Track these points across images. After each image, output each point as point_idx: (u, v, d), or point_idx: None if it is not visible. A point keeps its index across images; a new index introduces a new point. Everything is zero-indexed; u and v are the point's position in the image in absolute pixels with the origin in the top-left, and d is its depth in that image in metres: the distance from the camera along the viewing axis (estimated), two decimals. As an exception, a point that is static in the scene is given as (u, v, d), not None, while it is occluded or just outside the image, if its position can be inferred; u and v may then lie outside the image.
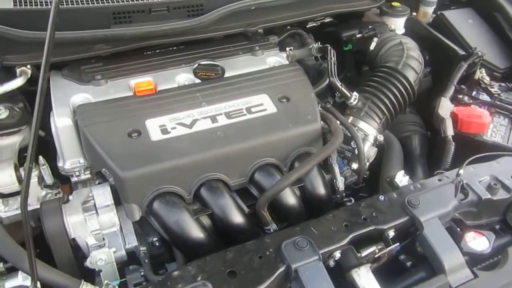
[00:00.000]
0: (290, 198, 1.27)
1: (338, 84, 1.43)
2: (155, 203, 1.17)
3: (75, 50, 1.40)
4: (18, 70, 1.42)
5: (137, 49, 1.49)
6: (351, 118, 1.44)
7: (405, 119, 1.70)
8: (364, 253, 1.10)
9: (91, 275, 1.18)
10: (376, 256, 1.11)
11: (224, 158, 1.22)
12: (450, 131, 1.46)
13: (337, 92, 1.46)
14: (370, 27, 1.71)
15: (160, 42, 1.45)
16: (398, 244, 1.12)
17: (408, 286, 1.10)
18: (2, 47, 1.34)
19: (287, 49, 1.58)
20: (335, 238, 1.11)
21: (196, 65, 1.45)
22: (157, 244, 1.27)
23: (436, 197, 1.22)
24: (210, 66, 1.44)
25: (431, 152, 1.65)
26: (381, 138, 1.42)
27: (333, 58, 1.46)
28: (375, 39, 1.63)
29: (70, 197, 1.25)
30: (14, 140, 1.39)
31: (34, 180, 1.32)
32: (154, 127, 1.25)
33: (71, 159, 1.31)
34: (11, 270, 1.16)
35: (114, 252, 1.19)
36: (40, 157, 1.30)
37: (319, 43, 1.61)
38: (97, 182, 1.34)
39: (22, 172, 1.32)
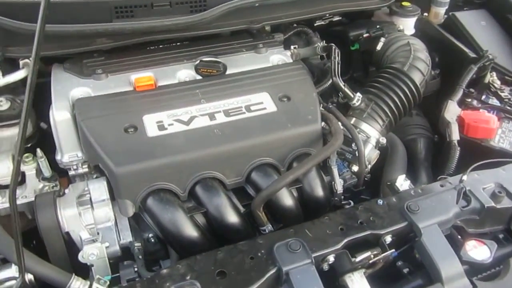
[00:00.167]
0: (286, 199, 1.24)
1: (341, 84, 1.40)
2: (148, 200, 1.16)
3: (77, 44, 1.39)
4: (21, 62, 1.43)
5: (141, 44, 1.48)
6: (353, 119, 1.41)
7: (411, 121, 1.67)
8: (359, 258, 1.07)
9: (85, 269, 1.18)
10: (371, 261, 1.08)
11: (220, 156, 1.21)
12: (455, 136, 1.42)
13: (340, 93, 1.43)
14: (378, 26, 1.67)
15: (162, 37, 1.44)
16: (393, 250, 1.09)
17: (403, 294, 1.07)
18: (4, 39, 1.34)
19: (292, 47, 1.56)
20: (330, 241, 1.09)
21: (198, 61, 1.44)
22: (153, 240, 1.27)
23: (436, 203, 1.18)
24: (212, 62, 1.43)
25: (437, 157, 1.60)
26: (383, 140, 1.39)
27: (337, 58, 1.43)
28: (382, 39, 1.60)
29: (66, 191, 1.25)
30: (14, 132, 1.39)
31: (32, 172, 1.33)
32: (151, 123, 1.24)
33: (69, 153, 1.31)
34: (6, 261, 1.17)
35: (107, 247, 1.19)
36: (38, 150, 1.30)
37: (324, 42, 1.59)
38: (94, 176, 1.34)
39: (21, 164, 1.32)
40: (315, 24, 1.82)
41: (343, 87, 1.39)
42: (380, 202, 1.19)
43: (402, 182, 1.29)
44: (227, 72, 1.44)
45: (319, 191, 1.28)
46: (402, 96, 1.41)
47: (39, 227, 1.13)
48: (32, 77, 0.83)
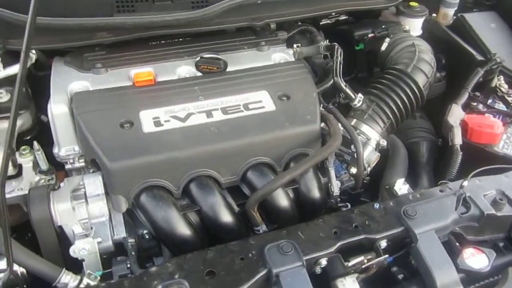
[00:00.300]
0: (282, 199, 1.23)
1: (342, 84, 1.37)
2: (142, 196, 1.15)
3: (78, 37, 1.39)
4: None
5: (142, 39, 1.48)
6: (354, 120, 1.38)
7: (415, 124, 1.63)
8: (352, 262, 1.05)
9: (78, 264, 1.18)
10: (364, 266, 1.06)
11: (215, 154, 1.19)
12: (458, 140, 1.39)
13: (342, 93, 1.40)
14: (383, 27, 1.64)
15: (163, 33, 1.43)
16: (387, 256, 1.06)
17: (396, 300, 1.05)
18: (5, 31, 1.35)
19: (295, 45, 1.54)
20: (322, 244, 1.07)
21: (199, 58, 1.42)
22: (147, 237, 1.26)
23: (435, 209, 1.16)
24: (212, 59, 1.41)
25: (440, 161, 1.57)
26: (384, 143, 1.36)
27: (339, 57, 1.40)
28: (387, 40, 1.57)
29: (61, 184, 1.25)
30: (13, 124, 1.39)
31: (29, 165, 1.33)
32: (147, 118, 1.23)
33: (66, 146, 1.31)
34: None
35: (100, 242, 1.19)
36: (35, 143, 1.31)
37: (328, 41, 1.56)
38: (91, 171, 1.34)
39: (18, 156, 1.33)
40: (321, 23, 1.79)
41: (344, 87, 1.37)
42: (376, 205, 1.17)
43: (401, 186, 1.26)
44: (228, 69, 1.42)
45: (316, 193, 1.26)
46: (404, 98, 1.38)
47: (31, 220, 1.13)
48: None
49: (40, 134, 1.45)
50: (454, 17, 1.83)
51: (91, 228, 1.22)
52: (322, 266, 1.05)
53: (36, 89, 1.47)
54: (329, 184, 1.28)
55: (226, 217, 1.19)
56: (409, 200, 1.19)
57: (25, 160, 1.32)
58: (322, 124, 1.30)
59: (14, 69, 1.40)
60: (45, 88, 1.34)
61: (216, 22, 1.45)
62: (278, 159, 1.25)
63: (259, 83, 1.36)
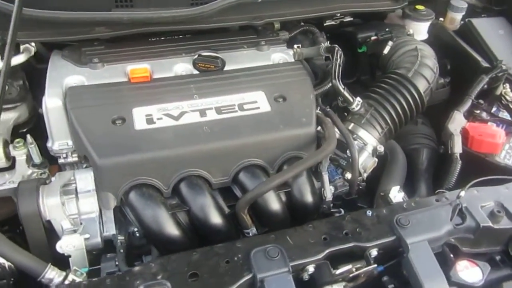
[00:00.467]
0: (273, 202, 1.21)
1: (341, 87, 1.34)
2: (130, 194, 1.14)
3: (76, 31, 1.38)
4: (21, 47, 1.43)
5: (143, 35, 1.47)
6: (351, 124, 1.36)
7: (416, 130, 1.60)
8: (340, 270, 1.03)
9: (66, 259, 1.17)
10: (352, 275, 1.03)
11: (207, 154, 1.18)
12: (457, 149, 1.35)
13: (340, 96, 1.38)
14: (387, 29, 1.61)
15: (161, 29, 1.41)
16: (376, 265, 1.03)
17: (383, 311, 1.03)
18: (3, 23, 1.34)
19: (295, 46, 1.51)
20: (310, 250, 1.04)
21: (196, 55, 1.41)
22: (138, 234, 1.25)
23: (429, 219, 1.12)
24: (210, 58, 1.40)
25: (440, 169, 1.53)
26: (381, 148, 1.33)
27: (338, 60, 1.37)
28: (390, 43, 1.54)
29: (52, 179, 1.24)
30: (9, 117, 1.40)
31: (22, 158, 1.33)
32: (140, 115, 1.21)
33: (59, 141, 1.30)
34: None
35: (88, 238, 1.17)
36: (28, 136, 1.30)
37: (329, 42, 1.54)
38: (84, 166, 1.33)
39: (11, 149, 1.32)
40: (325, 24, 1.77)
41: (342, 90, 1.34)
42: (369, 213, 1.14)
43: (396, 194, 1.23)
44: (226, 68, 1.40)
45: (308, 197, 1.24)
46: (404, 103, 1.35)
47: (19, 213, 1.12)
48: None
49: (37, 127, 1.45)
50: (462, 22, 1.79)
51: (81, 224, 1.22)
52: (309, 273, 1.03)
53: (35, 81, 1.47)
54: (322, 189, 1.25)
55: (216, 218, 1.17)
56: (403, 209, 1.16)
57: (18, 152, 1.32)
58: (319, 127, 1.28)
59: (12, 61, 1.40)
60: (44, 81, 1.34)
61: (215, 20, 1.43)
62: (271, 161, 1.23)
63: (255, 83, 1.34)
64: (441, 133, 1.46)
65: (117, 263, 1.19)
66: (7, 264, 1.12)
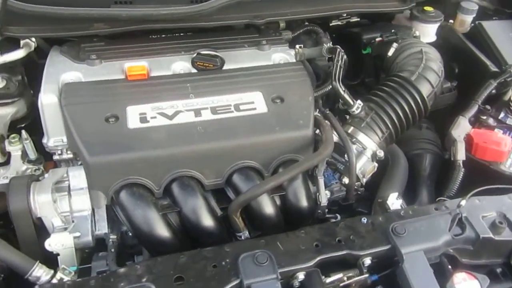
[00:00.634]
0: (267, 206, 1.18)
1: (341, 89, 1.31)
2: (121, 194, 1.12)
3: (74, 27, 1.37)
4: (22, 42, 1.42)
5: (144, 32, 1.45)
6: (351, 128, 1.32)
7: (419, 135, 1.55)
8: (331, 279, 1.00)
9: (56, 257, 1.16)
10: (343, 284, 1.00)
11: (200, 155, 1.16)
12: (460, 156, 1.30)
13: (340, 99, 1.34)
14: (392, 31, 1.56)
15: (160, 27, 1.40)
16: (367, 275, 1.00)
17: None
18: (2, 18, 1.33)
19: (297, 46, 1.48)
20: (301, 257, 1.01)
21: (196, 54, 1.38)
22: (130, 234, 1.23)
23: (426, 228, 1.09)
24: (209, 56, 1.37)
25: (444, 176, 1.48)
26: (381, 153, 1.29)
27: (340, 61, 1.33)
28: (395, 45, 1.49)
29: (46, 175, 1.23)
30: (6, 111, 1.39)
31: (17, 153, 1.33)
32: (134, 114, 1.20)
33: (54, 137, 1.29)
34: None
35: (78, 237, 1.16)
36: (23, 132, 1.30)
37: (331, 43, 1.50)
38: (79, 163, 1.32)
39: (7, 144, 1.32)
40: (330, 24, 1.73)
41: (342, 92, 1.31)
42: (364, 220, 1.10)
43: (394, 201, 1.19)
44: (224, 68, 1.38)
45: (303, 201, 1.21)
46: (406, 108, 1.31)
47: (9, 210, 1.12)
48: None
49: (36, 122, 1.44)
50: (472, 24, 1.73)
51: (72, 222, 1.21)
52: (299, 280, 1.00)
53: (36, 76, 1.47)
54: (317, 194, 1.21)
55: (207, 220, 1.15)
56: (399, 217, 1.12)
57: (14, 148, 1.32)
58: (317, 130, 1.24)
59: (11, 56, 1.40)
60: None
61: (215, 18, 1.40)
62: (266, 163, 1.20)
63: (253, 83, 1.32)
64: (445, 138, 1.42)
65: (108, 262, 1.18)
66: (-3, 261, 1.12)
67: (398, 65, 1.44)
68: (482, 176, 1.31)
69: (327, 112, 1.32)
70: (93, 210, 1.20)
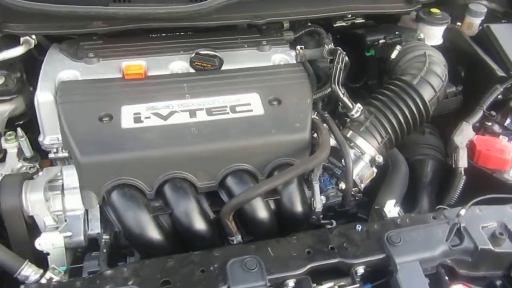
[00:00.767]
0: (260, 210, 1.16)
1: (340, 92, 1.28)
2: (112, 194, 1.11)
3: (73, 25, 1.37)
4: (21, 39, 1.42)
5: (144, 31, 1.44)
6: (350, 132, 1.29)
7: (422, 140, 1.51)
8: (321, 287, 0.97)
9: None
10: (334, 293, 0.97)
11: (193, 156, 1.14)
12: (462, 163, 1.26)
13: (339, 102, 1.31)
14: (396, 33, 1.53)
15: (158, 26, 1.38)
16: (358, 286, 0.97)
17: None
18: (2, 15, 1.33)
19: (298, 47, 1.45)
20: (291, 264, 0.99)
21: (194, 54, 1.37)
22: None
23: (423, 237, 1.05)
24: (208, 56, 1.36)
25: (446, 183, 1.44)
26: (379, 159, 1.26)
27: (340, 63, 1.31)
28: (398, 47, 1.45)
29: (40, 173, 1.23)
30: (4, 109, 1.39)
31: (13, 151, 1.33)
32: (128, 114, 1.19)
33: (50, 135, 1.29)
34: None
35: (69, 236, 1.15)
36: (19, 129, 1.30)
37: (334, 44, 1.47)
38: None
39: (3, 141, 1.32)
40: (334, 25, 1.70)
41: (341, 95, 1.28)
42: (358, 227, 1.07)
43: (391, 208, 1.16)
44: (223, 68, 1.36)
45: (298, 206, 1.18)
46: (407, 112, 1.27)
47: (1, 208, 1.11)
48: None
49: (34, 120, 1.44)
50: (480, 27, 1.69)
51: (65, 221, 1.20)
52: (288, 287, 0.98)
53: (36, 73, 1.46)
54: (312, 199, 1.19)
55: (199, 223, 1.13)
56: (396, 225, 1.09)
57: (10, 145, 1.32)
58: (315, 134, 1.22)
59: (11, 53, 1.40)
60: None
61: (214, 18, 1.39)
62: (260, 167, 1.18)
63: (251, 84, 1.30)
64: (448, 144, 1.38)
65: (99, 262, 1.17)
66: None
67: (400, 68, 1.40)
68: (484, 184, 1.26)
69: (326, 115, 1.29)
70: (86, 209, 1.20)
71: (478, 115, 1.40)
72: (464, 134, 1.32)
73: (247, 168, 1.17)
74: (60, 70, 1.30)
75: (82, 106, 1.19)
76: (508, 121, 1.44)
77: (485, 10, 1.65)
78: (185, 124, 1.17)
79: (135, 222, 1.10)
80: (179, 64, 1.36)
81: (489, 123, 1.41)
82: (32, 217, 1.16)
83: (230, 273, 0.95)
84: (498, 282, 1.11)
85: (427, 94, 1.30)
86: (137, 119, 1.17)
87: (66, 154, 1.31)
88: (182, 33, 1.50)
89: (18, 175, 1.19)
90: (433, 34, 1.63)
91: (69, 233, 1.16)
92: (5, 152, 1.33)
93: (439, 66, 1.37)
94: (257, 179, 1.18)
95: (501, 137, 1.37)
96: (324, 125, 1.24)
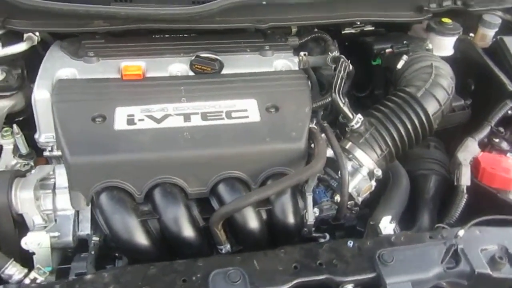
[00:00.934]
0: (251, 220, 1.13)
1: (341, 102, 1.24)
2: (101, 196, 1.09)
3: (75, 24, 1.36)
4: (25, 36, 1.42)
5: (147, 32, 1.43)
6: (349, 143, 1.24)
7: (427, 154, 1.46)
8: (306, 304, 0.94)
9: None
10: (319, 311, 0.94)
11: (184, 161, 1.12)
12: (465, 181, 1.21)
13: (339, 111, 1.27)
14: (404, 42, 1.48)
15: (159, 27, 1.37)
16: (344, 305, 0.93)
17: None
18: (5, 11, 1.34)
19: (301, 53, 1.42)
20: (277, 279, 0.95)
21: (195, 56, 1.35)
22: None
23: (417, 257, 1.01)
24: (208, 60, 1.33)
25: (449, 200, 1.39)
26: (378, 172, 1.22)
27: (342, 72, 1.27)
28: (404, 57, 1.41)
29: (32, 171, 1.22)
30: (3, 104, 1.39)
31: (9, 147, 1.33)
32: (122, 115, 1.17)
33: (46, 133, 1.28)
34: None
35: (57, 236, 1.14)
36: (14, 126, 1.30)
37: (338, 52, 1.43)
38: (68, 161, 1.30)
39: (-1, 137, 1.32)
40: (343, 32, 1.66)
41: (342, 105, 1.24)
42: (350, 243, 1.03)
43: (387, 224, 1.12)
44: (223, 72, 1.34)
45: (290, 218, 1.15)
46: (408, 125, 1.23)
47: (-11, 205, 1.11)
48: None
49: (33, 117, 1.44)
50: (494, 39, 1.62)
51: (55, 221, 1.19)
52: (273, 302, 0.94)
53: (35, 70, 1.46)
54: (304, 211, 1.15)
55: (187, 230, 1.11)
56: (389, 243, 1.04)
57: (6, 141, 1.32)
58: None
59: (13, 49, 1.40)
60: None
61: (216, 21, 1.36)
62: (253, 175, 1.15)
63: (250, 90, 1.27)
64: (451, 160, 1.32)
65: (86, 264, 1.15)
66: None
67: (405, 79, 1.35)
68: (487, 204, 1.21)
69: (325, 124, 1.25)
70: (77, 210, 1.19)
71: (485, 131, 1.34)
72: (469, 150, 1.27)
73: (240, 176, 1.14)
74: (59, 68, 1.30)
75: (76, 105, 1.18)
76: (517, 138, 1.38)
77: (499, 21, 1.59)
78: (178, 128, 1.15)
79: (122, 226, 1.08)
80: (178, 66, 1.34)
81: (497, 140, 1.35)
82: (21, 215, 1.15)
83: (212, 284, 0.92)
84: (496, 309, 1.05)
85: (431, 107, 1.25)
86: (130, 121, 1.15)
87: (60, 153, 1.30)
88: (185, 35, 1.48)
89: (9, 172, 1.19)
90: (444, 45, 1.57)
91: (56, 233, 1.15)
92: (1, 148, 1.33)
93: (446, 78, 1.32)
94: (249, 187, 1.15)
95: (508, 154, 1.31)
96: (323, 135, 1.21)
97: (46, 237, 1.11)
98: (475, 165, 1.25)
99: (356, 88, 1.65)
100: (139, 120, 1.16)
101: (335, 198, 1.19)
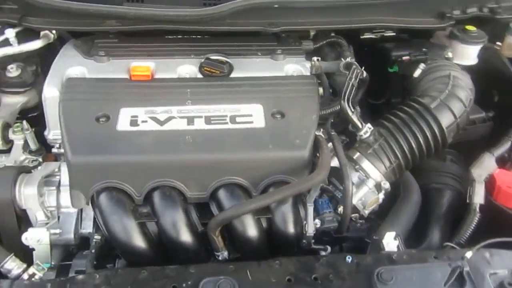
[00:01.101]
0: (249, 227, 1.10)
1: (349, 110, 1.19)
2: (100, 196, 1.09)
3: (88, 23, 1.37)
4: (41, 33, 1.45)
5: (161, 32, 1.43)
6: (357, 154, 1.20)
7: (442, 168, 1.39)
8: (297, 320, 0.90)
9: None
10: (310, 328, 0.90)
11: (184, 165, 1.10)
12: (478, 199, 1.14)
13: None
14: (423, 50, 1.42)
15: (170, 28, 1.36)
16: (335, 324, 0.89)
17: None
18: (22, 9, 1.36)
19: (314, 58, 1.38)
20: (269, 291, 0.93)
21: (204, 59, 1.33)
22: None
23: (418, 278, 0.96)
24: (217, 62, 1.32)
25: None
26: (386, 185, 1.16)
27: (353, 79, 1.22)
28: (422, 65, 1.35)
29: (38, 168, 1.24)
30: (17, 100, 1.42)
31: (20, 142, 1.35)
32: (125, 116, 1.17)
33: (54, 130, 1.30)
34: None
35: (58, 233, 1.16)
36: (24, 122, 1.32)
37: (352, 58, 1.38)
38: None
39: (11, 132, 1.35)
40: (362, 37, 1.61)
41: (350, 114, 1.19)
42: (349, 259, 0.99)
43: (390, 241, 1.06)
44: (232, 75, 1.32)
45: (290, 228, 1.11)
46: (420, 137, 1.17)
47: (-9, 199, 1.13)
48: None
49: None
50: (522, 49, 1.54)
51: (58, 218, 1.20)
52: (264, 315, 0.92)
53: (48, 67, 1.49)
54: (304, 222, 1.11)
55: (184, 235, 1.09)
56: (390, 260, 1.00)
57: (17, 137, 1.35)
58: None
59: (28, 46, 1.43)
60: None
61: (227, 23, 1.34)
62: (254, 182, 1.12)
63: (257, 94, 1.24)
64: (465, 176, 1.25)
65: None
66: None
67: (421, 88, 1.29)
68: (501, 225, 1.14)
69: (332, 133, 1.21)
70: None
71: (505, 146, 1.26)
72: (484, 167, 1.20)
73: (240, 182, 1.11)
74: (69, 66, 1.31)
75: (82, 104, 1.19)
76: (540, 156, 1.29)
77: (528, 30, 1.50)
78: (180, 131, 1.13)
79: (119, 227, 1.08)
80: (187, 68, 1.33)
81: (517, 157, 1.27)
82: (24, 211, 1.17)
83: (201, 293, 0.90)
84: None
85: (446, 119, 1.19)
86: (134, 122, 1.15)
87: (66, 150, 1.31)
88: (198, 36, 1.46)
89: (14, 168, 1.21)
90: (467, 53, 1.49)
91: (58, 230, 1.16)
92: (12, 143, 1.36)
93: (464, 90, 1.25)
94: (250, 194, 1.12)
95: (529, 173, 1.23)
96: (329, 144, 1.17)
97: (46, 234, 1.12)
98: (490, 182, 1.18)
99: (372, 96, 1.60)
100: (142, 121, 1.15)
101: (339, 209, 1.15)
